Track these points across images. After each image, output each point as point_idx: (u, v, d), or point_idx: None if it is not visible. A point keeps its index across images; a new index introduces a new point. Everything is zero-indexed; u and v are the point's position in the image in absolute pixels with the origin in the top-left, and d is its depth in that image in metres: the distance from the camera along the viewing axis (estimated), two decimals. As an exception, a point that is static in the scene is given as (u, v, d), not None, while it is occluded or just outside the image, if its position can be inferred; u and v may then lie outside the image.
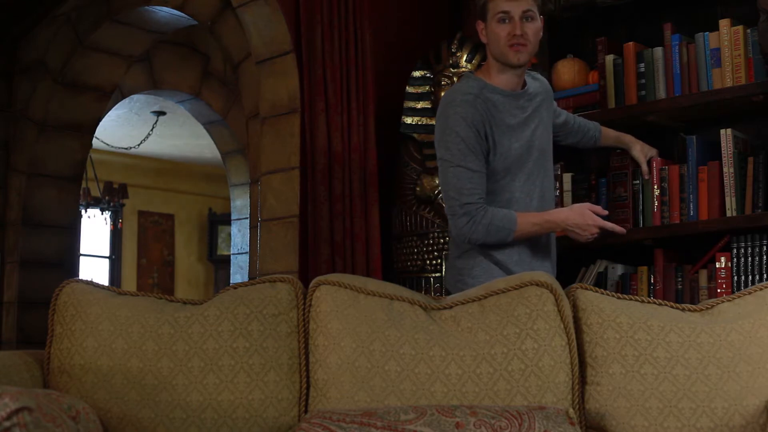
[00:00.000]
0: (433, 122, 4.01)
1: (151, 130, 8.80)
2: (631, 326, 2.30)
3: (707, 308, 2.40)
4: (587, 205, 3.10)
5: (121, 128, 8.87)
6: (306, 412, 2.28)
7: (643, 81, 3.62)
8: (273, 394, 2.27)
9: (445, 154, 3.00)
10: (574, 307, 2.36)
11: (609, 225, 3.11)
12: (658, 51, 3.59)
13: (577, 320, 2.35)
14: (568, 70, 3.84)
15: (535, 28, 3.03)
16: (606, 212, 3.12)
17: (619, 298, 2.39)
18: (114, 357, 2.25)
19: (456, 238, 3.05)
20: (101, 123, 5.88)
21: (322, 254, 3.84)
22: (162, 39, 5.58)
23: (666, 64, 3.57)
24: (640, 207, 3.60)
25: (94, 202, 8.95)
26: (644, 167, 3.54)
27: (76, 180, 5.67)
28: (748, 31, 3.40)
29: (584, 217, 3.04)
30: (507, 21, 3.00)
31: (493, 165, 3.02)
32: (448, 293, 3.12)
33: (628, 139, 3.57)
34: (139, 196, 10.22)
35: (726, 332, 2.29)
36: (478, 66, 3.97)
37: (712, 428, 2.20)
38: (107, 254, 10.50)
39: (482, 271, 3.01)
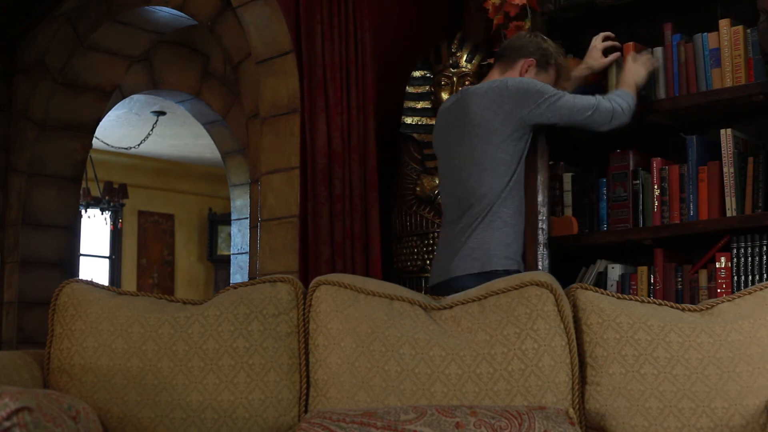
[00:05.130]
0: (433, 122, 4.03)
1: (151, 130, 8.80)
2: (631, 326, 2.30)
3: (707, 308, 2.40)
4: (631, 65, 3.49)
5: (121, 128, 8.87)
6: (306, 412, 2.28)
7: (643, 81, 3.62)
8: (273, 394, 2.27)
9: (549, 91, 3.28)
10: (574, 307, 2.36)
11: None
12: (658, 51, 3.59)
13: (577, 320, 2.35)
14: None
15: None
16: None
17: (619, 298, 2.39)
18: (114, 357, 2.26)
19: (610, 123, 3.34)
20: (101, 123, 5.88)
21: (322, 254, 3.84)
22: (162, 39, 5.58)
23: (666, 64, 3.57)
24: (640, 207, 3.60)
25: (94, 202, 8.94)
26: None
27: (76, 180, 5.67)
28: (748, 31, 3.40)
29: (640, 68, 3.48)
30: None
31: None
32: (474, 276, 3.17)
33: (583, 65, 3.67)
34: (139, 196, 10.22)
35: (726, 332, 2.29)
36: (479, 66, 3.98)
37: (712, 428, 2.20)
38: (107, 254, 10.50)
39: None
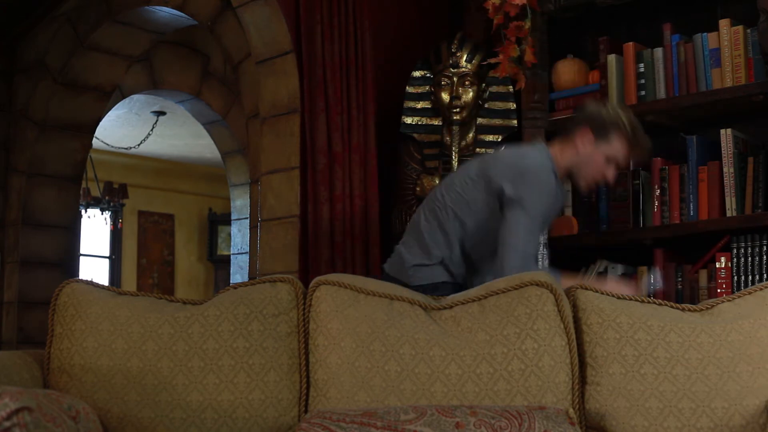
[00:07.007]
0: (433, 122, 4.03)
1: (151, 130, 8.80)
2: (631, 326, 2.30)
3: (707, 308, 2.40)
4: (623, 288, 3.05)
5: (121, 128, 8.87)
6: (306, 412, 2.28)
7: (642, 81, 3.62)
8: (273, 394, 2.27)
9: (524, 196, 3.01)
10: (574, 307, 2.36)
11: None
12: (658, 51, 3.59)
13: (577, 320, 2.35)
14: (568, 70, 3.84)
15: None
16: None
17: (619, 298, 2.39)
18: (114, 357, 2.26)
19: (501, 273, 2.94)
20: (101, 123, 5.88)
21: (322, 254, 3.85)
22: (162, 39, 5.58)
23: (666, 64, 3.57)
24: (640, 207, 3.60)
25: (94, 202, 8.94)
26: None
27: (76, 180, 5.67)
28: (748, 31, 3.40)
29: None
30: (613, 165, 3.12)
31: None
32: (391, 278, 3.14)
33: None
34: (139, 196, 10.22)
35: (726, 332, 2.29)
36: (479, 66, 3.98)
37: (712, 428, 2.20)
38: (107, 254, 10.50)
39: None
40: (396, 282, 3.02)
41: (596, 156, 3.08)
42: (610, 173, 3.11)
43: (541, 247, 3.63)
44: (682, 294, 3.49)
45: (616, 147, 3.07)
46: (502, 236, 3.01)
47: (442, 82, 3.98)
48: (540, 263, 3.58)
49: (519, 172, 3.05)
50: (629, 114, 3.13)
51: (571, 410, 2.14)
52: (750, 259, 3.33)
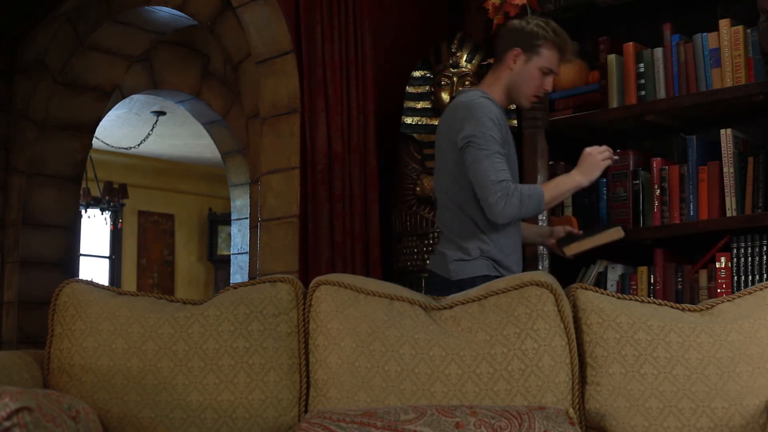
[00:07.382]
0: (433, 122, 4.02)
1: (151, 130, 8.80)
2: (631, 326, 2.30)
3: (707, 308, 2.40)
4: (589, 155, 3.16)
5: (121, 128, 8.87)
6: (306, 412, 2.28)
7: (642, 81, 3.62)
8: (273, 394, 2.27)
9: (478, 137, 3.01)
10: (574, 307, 2.36)
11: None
12: (658, 51, 3.59)
13: (577, 320, 2.35)
14: (568, 70, 3.83)
15: None
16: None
17: (619, 298, 2.39)
18: (114, 357, 2.26)
19: (494, 218, 3.00)
20: (101, 123, 5.88)
21: (322, 254, 3.85)
22: (162, 39, 5.58)
23: (666, 64, 3.57)
24: (640, 207, 3.60)
25: (94, 202, 8.94)
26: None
27: (76, 180, 5.67)
28: (748, 31, 3.40)
29: (596, 167, 3.15)
30: (547, 75, 3.18)
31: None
32: (435, 275, 3.14)
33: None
34: (139, 196, 10.22)
35: (726, 332, 2.29)
36: (479, 66, 3.98)
37: (712, 428, 2.20)
38: (107, 254, 10.50)
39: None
40: (437, 278, 3.11)
41: (530, 71, 3.15)
42: (548, 84, 3.19)
43: (541, 248, 3.62)
44: (682, 294, 3.49)
45: (547, 56, 3.15)
46: (471, 179, 3.02)
47: (442, 82, 3.98)
48: (540, 263, 3.57)
49: (459, 118, 3.08)
50: (550, 21, 3.22)
51: (571, 410, 2.14)
52: (750, 259, 3.33)
